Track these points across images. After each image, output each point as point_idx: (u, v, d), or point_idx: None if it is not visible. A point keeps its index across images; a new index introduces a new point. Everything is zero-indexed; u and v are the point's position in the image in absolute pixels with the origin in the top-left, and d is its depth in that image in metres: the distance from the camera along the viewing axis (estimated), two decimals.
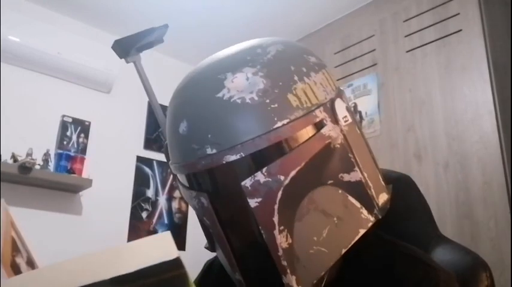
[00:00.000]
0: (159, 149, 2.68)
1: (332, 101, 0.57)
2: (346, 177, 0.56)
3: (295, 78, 0.55)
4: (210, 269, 0.80)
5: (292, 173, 0.52)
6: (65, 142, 2.27)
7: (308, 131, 0.54)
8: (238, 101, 0.52)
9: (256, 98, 0.52)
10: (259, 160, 0.52)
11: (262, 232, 0.52)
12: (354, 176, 0.56)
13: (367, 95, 2.08)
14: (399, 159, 1.86)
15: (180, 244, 2.62)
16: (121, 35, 2.64)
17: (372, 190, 0.57)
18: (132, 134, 2.60)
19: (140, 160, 2.58)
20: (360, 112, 2.08)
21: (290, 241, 0.52)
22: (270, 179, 0.51)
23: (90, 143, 2.36)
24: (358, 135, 0.59)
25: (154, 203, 2.58)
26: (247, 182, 0.51)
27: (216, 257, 0.81)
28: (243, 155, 0.51)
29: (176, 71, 2.90)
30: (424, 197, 0.80)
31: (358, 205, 0.57)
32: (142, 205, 2.53)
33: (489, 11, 1.74)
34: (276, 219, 0.51)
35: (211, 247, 0.66)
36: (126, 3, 2.36)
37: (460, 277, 0.62)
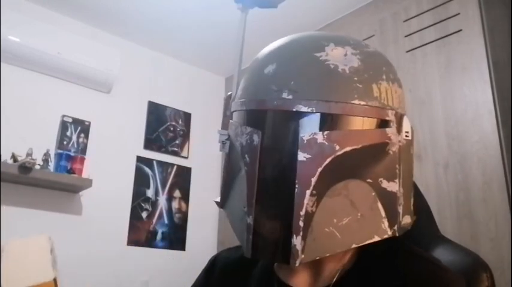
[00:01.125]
0: (159, 149, 2.68)
1: (402, 114, 0.61)
2: (385, 184, 0.58)
3: (384, 76, 0.60)
4: (214, 265, 0.80)
5: (347, 148, 0.54)
6: (65, 142, 2.26)
7: (374, 123, 0.57)
8: (332, 66, 0.56)
9: (347, 71, 0.56)
10: (324, 122, 0.55)
11: (296, 186, 0.53)
12: (392, 186, 0.58)
13: None
14: None
15: (180, 244, 2.62)
16: (121, 35, 2.66)
17: (401, 207, 0.59)
18: (132, 134, 2.60)
19: (140, 160, 2.58)
20: None
21: (314, 209, 0.54)
22: (326, 143, 0.54)
23: (90, 143, 2.36)
24: (410, 155, 0.62)
25: (154, 203, 2.58)
26: (305, 136, 0.54)
27: (219, 254, 0.82)
28: (314, 111, 0.55)
29: (176, 71, 2.90)
30: (424, 198, 0.80)
31: (383, 213, 0.58)
32: (142, 205, 2.53)
33: (489, 11, 1.74)
34: (314, 180, 0.54)
35: (222, 202, 0.67)
36: (126, 3, 2.36)
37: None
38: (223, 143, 0.67)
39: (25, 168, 1.99)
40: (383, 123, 0.58)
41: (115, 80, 2.48)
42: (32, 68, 2.28)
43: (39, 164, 2.09)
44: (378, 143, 0.57)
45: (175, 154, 2.74)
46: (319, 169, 0.53)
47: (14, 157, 2.04)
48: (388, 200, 0.58)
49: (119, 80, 2.52)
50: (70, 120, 2.31)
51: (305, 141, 0.54)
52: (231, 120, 0.65)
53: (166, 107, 2.77)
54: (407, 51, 1.96)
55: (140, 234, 2.48)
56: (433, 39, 1.86)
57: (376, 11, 2.18)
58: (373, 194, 0.58)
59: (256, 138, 0.57)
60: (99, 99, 2.50)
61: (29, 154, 2.04)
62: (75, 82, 2.41)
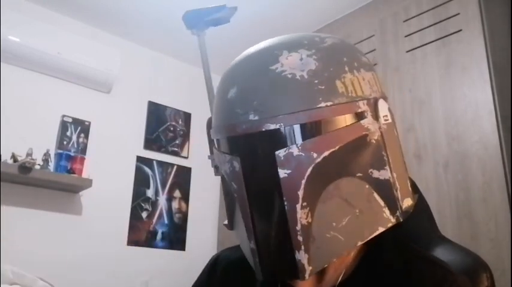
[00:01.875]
0: (159, 149, 2.68)
1: (376, 99, 0.59)
2: (376, 173, 0.58)
3: (346, 68, 0.58)
4: (216, 264, 0.80)
5: (326, 153, 0.54)
6: (65, 142, 2.26)
7: (348, 119, 0.56)
8: (289, 75, 0.55)
9: (306, 77, 0.55)
10: (298, 134, 0.55)
11: (285, 203, 0.53)
12: (384, 174, 0.58)
13: None
14: None
15: (180, 244, 2.62)
16: (121, 35, 2.66)
17: (398, 192, 0.58)
18: (132, 134, 2.60)
19: (140, 160, 2.58)
20: None
21: (310, 219, 0.54)
22: (303, 154, 0.53)
23: (90, 143, 2.36)
24: (395, 137, 0.60)
25: (154, 203, 2.58)
26: (281, 152, 0.53)
27: (220, 253, 0.82)
28: (283, 126, 0.54)
29: (176, 71, 2.90)
30: (424, 199, 0.80)
31: (382, 203, 0.58)
32: (142, 205, 2.53)
33: (489, 11, 1.74)
34: (301, 193, 0.53)
35: (230, 224, 0.67)
36: (126, 3, 2.36)
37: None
38: (216, 167, 0.68)
39: (25, 168, 1.99)
40: (358, 116, 0.57)
41: (115, 80, 2.48)
42: (32, 68, 2.28)
43: (39, 164, 2.09)
44: (356, 138, 0.56)
45: (175, 154, 2.74)
46: (303, 181, 0.53)
47: (14, 157, 2.04)
48: (384, 188, 0.58)
49: (119, 80, 2.52)
50: (70, 120, 2.31)
51: (282, 158, 0.53)
52: (214, 147, 0.65)
53: (166, 107, 2.77)
54: (407, 51, 1.96)
55: (140, 234, 2.48)
56: (433, 39, 1.86)
57: (376, 11, 2.18)
58: (367, 186, 0.57)
59: (236, 165, 0.57)
60: (99, 99, 2.50)
61: (29, 154, 2.04)
62: (75, 82, 2.41)
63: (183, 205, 2.70)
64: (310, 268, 0.53)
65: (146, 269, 2.44)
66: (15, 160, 2.03)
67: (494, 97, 1.62)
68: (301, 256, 0.53)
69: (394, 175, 0.58)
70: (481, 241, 1.53)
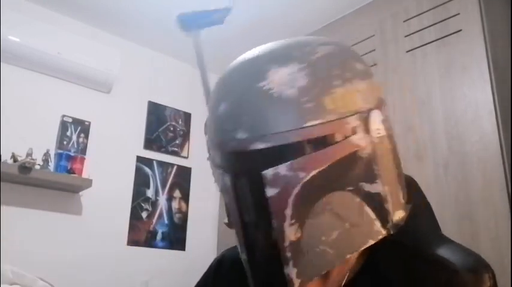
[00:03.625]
0: (159, 149, 2.68)
1: (369, 111, 0.57)
2: (367, 187, 0.57)
3: (337, 82, 0.56)
4: (221, 264, 0.81)
5: (313, 172, 0.53)
6: (65, 142, 2.27)
7: (338, 136, 0.55)
8: (277, 93, 0.54)
9: (293, 94, 0.54)
10: (285, 153, 0.54)
11: (273, 221, 0.54)
12: (375, 187, 0.57)
13: None
14: None
15: (180, 244, 2.62)
16: (121, 35, 2.66)
17: (390, 205, 0.58)
18: (132, 134, 2.60)
19: (140, 160, 2.58)
20: None
21: (299, 235, 0.54)
22: (290, 174, 0.53)
23: (90, 143, 2.36)
24: (388, 150, 0.60)
25: (154, 203, 2.58)
26: (268, 172, 0.53)
27: (225, 253, 0.83)
28: (270, 146, 0.53)
29: (176, 71, 2.90)
30: (426, 198, 0.80)
31: (373, 216, 0.58)
32: (142, 205, 2.53)
33: (489, 11, 1.74)
34: (288, 212, 0.53)
35: (229, 223, 0.68)
36: (126, 3, 2.36)
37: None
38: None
39: (25, 168, 1.99)
40: (347, 133, 0.56)
41: (115, 80, 2.48)
42: (32, 68, 2.28)
43: (39, 164, 2.09)
44: (346, 155, 0.55)
45: (175, 154, 2.74)
46: (290, 200, 0.53)
47: (14, 157, 2.04)
48: (375, 201, 0.58)
49: (119, 80, 2.52)
50: (70, 120, 2.31)
51: (269, 177, 0.53)
52: (209, 160, 0.65)
53: (166, 107, 2.77)
54: (407, 51, 1.96)
55: (140, 234, 2.48)
56: (433, 39, 1.86)
57: (376, 11, 2.18)
58: (358, 200, 0.57)
59: (227, 181, 0.58)
60: (99, 99, 2.50)
61: (29, 154, 2.04)
62: (75, 82, 2.41)
63: (183, 205, 2.70)
64: (299, 280, 0.54)
65: (146, 269, 2.44)
66: (15, 160, 2.03)
67: (494, 97, 1.62)
68: (290, 270, 0.54)
69: (386, 188, 0.58)
70: (481, 241, 1.53)
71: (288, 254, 0.54)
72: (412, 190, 0.81)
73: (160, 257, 2.52)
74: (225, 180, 0.58)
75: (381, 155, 0.58)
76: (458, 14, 1.79)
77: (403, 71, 1.96)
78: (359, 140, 0.56)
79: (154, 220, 2.55)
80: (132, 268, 2.39)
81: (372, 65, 2.09)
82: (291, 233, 0.54)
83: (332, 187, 0.56)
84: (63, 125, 2.29)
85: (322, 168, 0.54)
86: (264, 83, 0.55)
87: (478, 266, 0.64)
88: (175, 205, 2.66)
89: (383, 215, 0.58)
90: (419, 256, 0.63)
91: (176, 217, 2.65)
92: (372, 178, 0.57)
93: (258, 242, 0.58)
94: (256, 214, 0.58)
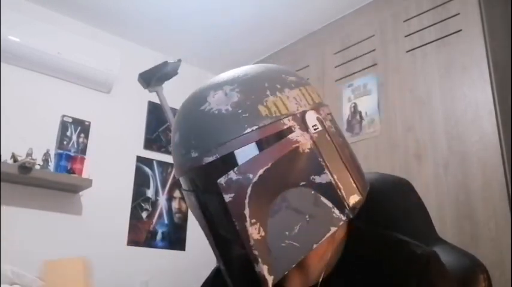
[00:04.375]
0: (159, 149, 2.68)
1: (304, 112, 0.64)
2: (317, 179, 0.62)
3: (267, 92, 0.63)
4: (219, 273, 0.84)
5: (260, 171, 0.59)
6: (65, 142, 2.26)
7: (275, 137, 0.61)
8: (216, 111, 0.62)
9: (230, 109, 0.61)
10: (233, 160, 0.60)
11: (235, 223, 0.58)
12: (324, 178, 0.62)
13: (367, 95, 2.08)
14: (399, 159, 1.86)
15: (180, 244, 2.62)
16: (121, 35, 2.66)
17: (342, 191, 0.63)
18: (132, 134, 2.60)
19: (140, 160, 2.58)
20: (360, 112, 2.08)
21: (263, 233, 0.59)
22: (240, 177, 0.59)
23: (90, 143, 2.36)
24: (329, 142, 0.65)
25: (154, 203, 2.58)
26: (222, 180, 0.59)
27: None
28: (218, 157, 0.60)
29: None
30: (422, 200, 0.80)
31: (330, 204, 0.62)
32: (142, 205, 2.53)
33: (489, 11, 1.74)
34: (247, 212, 0.58)
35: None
36: (126, 3, 2.36)
37: (457, 278, 0.62)
38: None
39: (25, 168, 1.99)
40: (285, 133, 0.61)
41: (115, 80, 2.48)
42: (32, 68, 2.28)
43: (39, 164, 2.09)
44: (288, 152, 0.60)
45: None
46: (246, 201, 0.58)
47: (14, 157, 2.04)
48: (328, 191, 0.62)
49: (119, 80, 2.52)
50: (70, 120, 2.31)
51: (224, 184, 0.59)
52: (180, 186, 0.73)
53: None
54: (407, 51, 1.96)
55: (140, 234, 2.48)
56: (433, 39, 1.86)
57: (376, 11, 2.18)
58: (312, 192, 0.62)
59: (192, 199, 0.65)
60: (99, 99, 2.50)
61: (29, 154, 2.04)
62: (75, 82, 2.41)
63: (183, 205, 2.70)
64: (272, 277, 0.58)
65: (146, 269, 2.44)
66: (15, 160, 2.03)
67: (494, 97, 1.62)
68: (261, 268, 0.58)
69: (335, 176, 0.63)
70: (481, 241, 1.53)
71: (255, 252, 0.57)
72: (407, 192, 0.81)
73: (160, 257, 2.52)
74: (191, 199, 0.65)
75: (323, 148, 0.63)
76: (458, 14, 1.79)
77: (403, 71, 1.96)
78: (297, 137, 0.61)
79: (154, 220, 2.55)
80: (132, 268, 2.39)
81: (372, 65, 2.10)
82: (253, 232, 0.58)
83: (285, 184, 0.61)
84: (63, 125, 2.29)
85: (267, 167, 0.59)
86: (205, 106, 0.63)
87: (474, 267, 0.65)
88: (175, 205, 2.66)
89: (339, 202, 0.62)
90: (390, 242, 0.66)
91: (176, 217, 2.65)
92: (319, 170, 0.62)
93: (228, 248, 0.64)
94: (221, 221, 0.63)
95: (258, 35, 2.59)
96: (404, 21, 2.00)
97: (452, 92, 1.76)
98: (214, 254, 0.64)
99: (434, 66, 1.84)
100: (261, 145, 0.60)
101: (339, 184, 0.62)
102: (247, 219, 0.58)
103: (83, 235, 2.27)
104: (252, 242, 0.57)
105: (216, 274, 0.86)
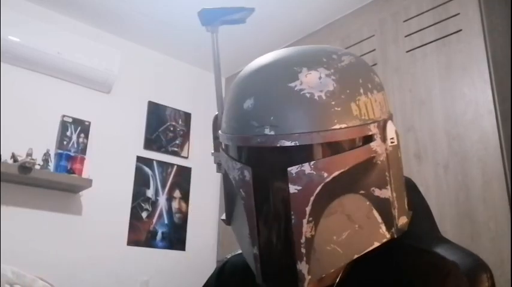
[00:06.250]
0: (159, 149, 2.68)
1: (385, 121, 0.61)
2: (377, 192, 0.60)
3: (361, 90, 0.59)
4: (223, 270, 0.83)
5: (336, 173, 0.56)
6: (65, 142, 2.26)
7: (359, 141, 0.59)
8: (308, 95, 0.56)
9: (324, 97, 0.56)
10: (309, 152, 0.57)
11: (292, 217, 0.55)
12: (384, 193, 0.60)
13: None
14: None
15: (180, 244, 2.62)
16: (121, 35, 2.66)
17: (396, 211, 0.61)
18: (132, 134, 2.60)
19: (140, 160, 2.58)
20: None
21: (313, 233, 0.56)
22: (314, 172, 0.55)
23: (90, 143, 2.36)
24: (399, 158, 0.63)
25: (154, 203, 2.58)
26: (293, 169, 0.55)
27: (229, 259, 0.85)
28: (297, 144, 0.55)
29: (176, 71, 2.90)
30: (425, 199, 0.80)
31: (379, 219, 0.60)
32: (142, 205, 2.53)
33: (489, 11, 1.74)
34: (308, 209, 0.55)
35: (228, 220, 0.70)
36: (126, 3, 2.36)
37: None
38: (218, 164, 0.69)
39: (25, 168, 1.99)
40: (367, 139, 0.59)
41: (115, 80, 2.48)
42: (32, 68, 2.28)
43: (39, 164, 2.09)
44: (365, 160, 0.58)
45: (175, 154, 2.74)
46: (312, 198, 0.55)
47: (14, 157, 2.04)
48: (383, 206, 0.60)
49: (119, 80, 2.52)
50: (70, 120, 2.31)
51: (294, 174, 0.55)
52: (221, 149, 0.66)
53: (166, 107, 2.77)
54: (407, 51, 1.96)
55: (140, 234, 2.48)
56: (433, 39, 1.86)
57: (376, 11, 2.18)
58: (368, 203, 0.60)
59: (247, 174, 0.59)
60: (99, 99, 2.50)
61: (29, 154, 2.04)
62: (75, 82, 2.41)
63: (183, 205, 2.70)
64: (309, 277, 0.56)
65: (146, 269, 2.44)
66: (15, 160, 2.03)
67: (494, 97, 1.62)
68: (302, 266, 0.56)
69: (394, 194, 0.61)
70: (481, 241, 1.53)
71: (303, 251, 0.55)
72: (410, 190, 0.81)
73: (160, 257, 2.52)
74: (244, 173, 0.59)
75: (392, 163, 0.61)
76: (458, 14, 1.79)
77: (403, 71, 1.96)
78: (377, 146, 0.59)
79: (154, 220, 2.55)
80: (132, 268, 2.39)
81: (372, 65, 2.10)
82: (307, 230, 0.56)
83: (347, 189, 0.58)
84: (63, 125, 2.29)
85: (344, 170, 0.56)
86: (296, 83, 0.57)
87: (477, 267, 0.64)
88: (175, 205, 2.66)
89: (389, 220, 0.60)
90: (409, 250, 0.65)
91: (176, 217, 2.65)
92: (382, 184, 0.60)
93: (273, 236, 0.60)
94: (275, 208, 0.59)
95: (258, 35, 2.59)
96: (404, 21, 2.00)
97: (452, 92, 1.76)
98: (251, 235, 0.59)
99: (434, 66, 1.84)
100: (344, 145, 0.58)
101: (395, 202, 0.60)
102: (306, 216, 0.55)
103: (83, 235, 2.27)
104: (303, 240, 0.55)
105: (217, 277, 0.84)
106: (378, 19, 2.13)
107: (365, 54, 2.14)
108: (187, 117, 2.85)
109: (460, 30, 1.78)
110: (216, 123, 0.71)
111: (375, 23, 2.14)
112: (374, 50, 2.10)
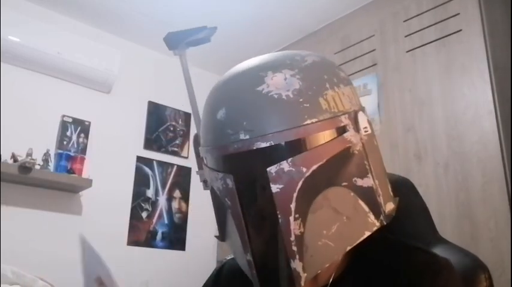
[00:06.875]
0: (159, 149, 2.68)
1: (356, 112, 0.62)
2: (359, 182, 0.61)
3: (327, 85, 0.61)
4: (221, 273, 0.84)
5: (314, 167, 0.57)
6: (65, 142, 2.26)
7: (332, 133, 0.60)
8: (275, 95, 0.58)
9: (291, 96, 0.58)
10: (285, 150, 0.58)
11: (279, 216, 0.56)
12: (366, 182, 0.61)
13: (367, 95, 2.08)
14: (399, 159, 1.86)
15: (180, 244, 2.62)
16: (121, 35, 2.66)
17: (381, 198, 0.61)
18: (132, 134, 2.60)
19: (140, 160, 2.58)
20: None
21: (302, 230, 0.57)
22: (293, 169, 0.56)
23: (90, 143, 2.36)
24: (375, 146, 0.64)
25: (154, 203, 2.58)
26: (272, 169, 0.56)
27: (226, 262, 0.86)
28: (272, 144, 0.57)
29: (176, 71, 2.90)
30: (423, 200, 0.80)
31: (366, 209, 0.61)
32: (142, 205, 2.53)
33: (489, 11, 1.74)
34: (293, 206, 0.56)
35: (221, 236, 0.71)
36: (126, 3, 2.36)
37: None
38: (204, 182, 0.71)
39: (25, 168, 1.99)
40: (340, 130, 0.60)
41: (115, 80, 2.48)
42: (32, 68, 2.28)
43: (39, 164, 2.09)
44: (340, 151, 0.59)
45: (175, 154, 2.74)
46: (294, 195, 0.56)
47: (14, 157, 2.04)
48: (367, 195, 0.61)
49: (119, 80, 2.52)
50: (70, 120, 2.31)
51: (274, 174, 0.56)
52: (203, 163, 0.68)
53: (166, 107, 2.77)
54: (407, 51, 1.96)
55: (140, 234, 2.48)
56: (433, 39, 1.86)
57: (376, 11, 2.18)
58: (352, 194, 0.60)
59: (229, 182, 0.59)
60: (99, 99, 2.50)
61: (29, 154, 2.04)
62: (75, 82, 2.41)
63: (183, 205, 2.70)
64: (305, 274, 0.56)
65: (146, 269, 2.44)
66: (15, 160, 2.03)
67: (494, 97, 1.62)
68: (296, 265, 0.56)
69: (376, 181, 0.61)
70: (481, 241, 1.53)
71: (294, 249, 0.56)
72: (408, 191, 0.81)
73: (160, 257, 2.52)
74: (226, 182, 0.60)
75: (370, 152, 0.62)
76: (458, 14, 1.79)
77: (403, 71, 1.96)
78: (351, 136, 0.60)
79: (154, 220, 2.55)
80: (132, 268, 2.39)
81: (372, 65, 2.10)
82: (296, 227, 0.56)
83: (329, 182, 0.59)
84: (63, 125, 2.29)
85: (321, 163, 0.57)
86: (263, 87, 0.58)
87: (475, 267, 0.65)
88: (175, 205, 2.66)
89: (376, 208, 0.61)
90: (402, 248, 0.65)
91: (176, 217, 2.65)
92: (363, 173, 0.61)
93: (262, 239, 0.60)
94: (260, 210, 0.60)
95: (258, 35, 2.59)
96: (404, 21, 2.00)
97: (452, 92, 1.76)
98: (242, 242, 0.60)
99: (434, 66, 1.84)
100: (318, 139, 0.58)
101: (379, 189, 0.61)
102: (292, 213, 0.56)
103: (83, 235, 2.27)
104: (292, 238, 0.56)
105: (214, 279, 0.84)
106: (378, 19, 2.13)
107: (365, 54, 2.14)
108: (187, 117, 2.85)
109: (460, 30, 1.78)
110: (197, 141, 0.73)
111: (375, 23, 2.14)
112: (374, 50, 2.10)
